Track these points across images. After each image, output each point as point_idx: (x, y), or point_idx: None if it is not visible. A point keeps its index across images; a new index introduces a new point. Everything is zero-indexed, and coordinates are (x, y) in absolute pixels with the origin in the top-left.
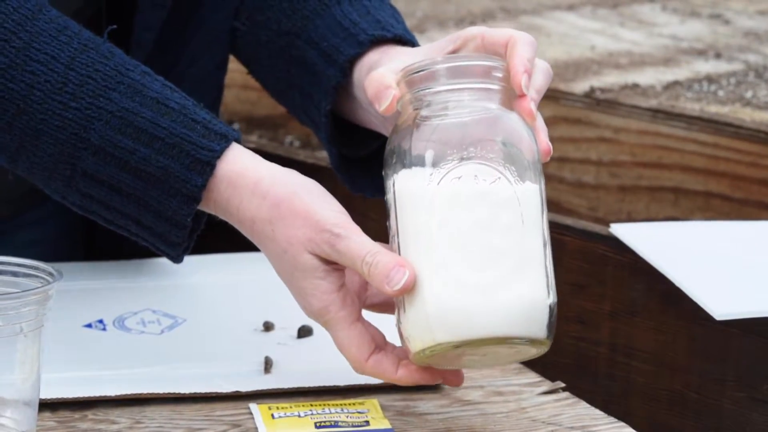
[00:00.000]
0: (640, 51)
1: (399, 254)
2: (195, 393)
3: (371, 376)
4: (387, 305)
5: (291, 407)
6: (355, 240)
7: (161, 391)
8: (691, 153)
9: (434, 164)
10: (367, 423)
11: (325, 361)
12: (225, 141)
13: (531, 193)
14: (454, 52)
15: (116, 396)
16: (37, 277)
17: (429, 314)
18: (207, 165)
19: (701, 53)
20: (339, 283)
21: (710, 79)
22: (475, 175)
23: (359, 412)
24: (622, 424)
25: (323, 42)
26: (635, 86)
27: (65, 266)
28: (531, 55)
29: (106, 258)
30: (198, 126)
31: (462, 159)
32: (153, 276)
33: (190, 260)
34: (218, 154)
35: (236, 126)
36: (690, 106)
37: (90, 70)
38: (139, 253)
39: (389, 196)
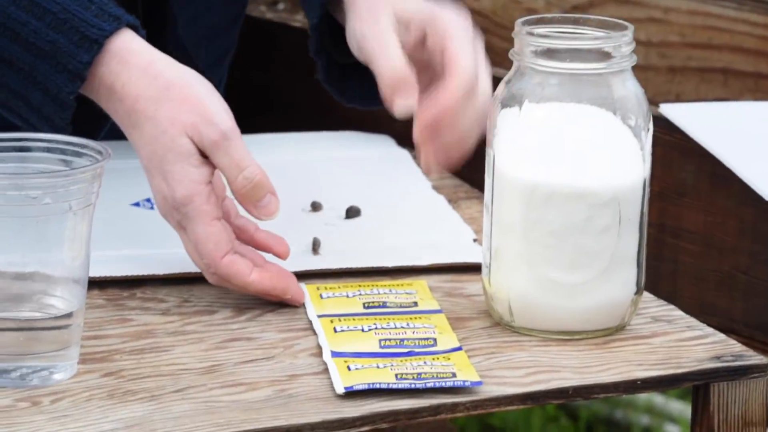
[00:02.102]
0: None
1: (491, 225)
2: None
3: (223, 276)
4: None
5: (339, 287)
6: (239, 146)
7: None
8: (741, 33)
9: (534, 158)
10: (416, 304)
11: (373, 241)
12: (117, 22)
13: (634, 187)
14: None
15: (164, 275)
16: (85, 155)
17: (511, 301)
18: (95, 43)
19: None
20: (209, 178)
21: None
22: (576, 173)
23: (407, 293)
24: (672, 306)
25: None
26: None
27: (113, 144)
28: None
29: None
30: (93, 6)
31: (563, 156)
32: None
33: None
34: (108, 33)
35: None
36: None
37: None
38: None
39: (488, 160)
